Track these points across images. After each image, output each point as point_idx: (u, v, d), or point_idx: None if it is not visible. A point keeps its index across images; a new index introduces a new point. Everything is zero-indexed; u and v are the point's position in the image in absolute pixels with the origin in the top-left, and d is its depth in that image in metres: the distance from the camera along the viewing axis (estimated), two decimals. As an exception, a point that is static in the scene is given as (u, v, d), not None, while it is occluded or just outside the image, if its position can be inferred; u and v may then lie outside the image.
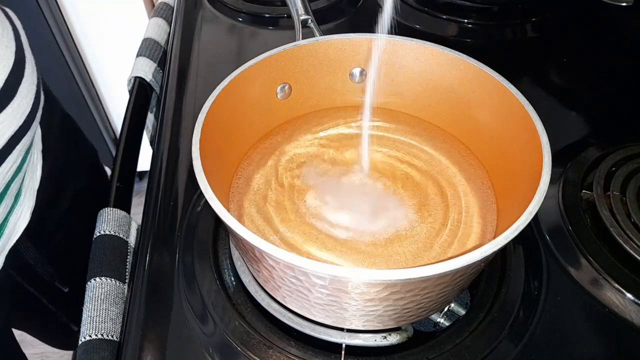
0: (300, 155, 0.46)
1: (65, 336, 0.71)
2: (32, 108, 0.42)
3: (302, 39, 0.46)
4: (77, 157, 0.63)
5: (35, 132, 0.46)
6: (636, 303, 0.40)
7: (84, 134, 0.67)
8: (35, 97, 0.43)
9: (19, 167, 0.44)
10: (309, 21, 0.49)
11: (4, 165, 0.39)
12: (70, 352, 1.12)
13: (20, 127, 0.40)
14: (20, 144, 0.41)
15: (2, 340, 0.55)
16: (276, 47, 0.44)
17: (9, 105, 0.38)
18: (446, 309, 0.39)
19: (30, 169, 0.49)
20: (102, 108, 1.29)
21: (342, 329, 0.38)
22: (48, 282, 0.59)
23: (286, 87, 0.47)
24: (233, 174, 0.44)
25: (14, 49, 0.40)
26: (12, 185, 0.43)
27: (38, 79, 0.44)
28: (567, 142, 0.53)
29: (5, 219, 0.45)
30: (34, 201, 0.50)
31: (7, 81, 0.38)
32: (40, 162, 0.51)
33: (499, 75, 0.41)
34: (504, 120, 0.41)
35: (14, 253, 0.49)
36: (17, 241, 0.48)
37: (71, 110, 0.66)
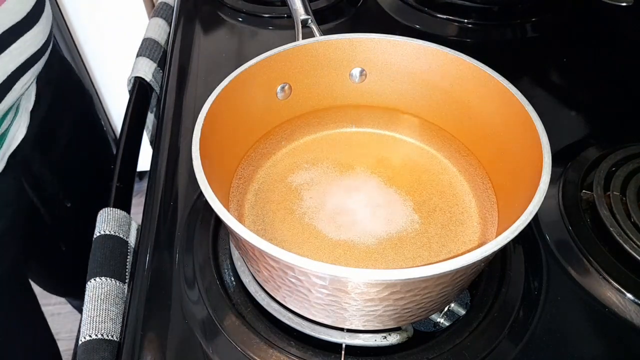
0: (300, 155, 0.46)
1: (63, 278, 0.75)
2: (47, 38, 0.52)
3: (302, 39, 0.46)
4: (72, 97, 0.70)
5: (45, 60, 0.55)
6: (636, 303, 0.40)
7: (82, 83, 0.75)
8: (50, 32, 0.53)
9: (31, 84, 0.52)
10: (309, 21, 0.49)
11: (23, 77, 0.49)
12: (70, 351, 1.13)
13: (39, 49, 0.50)
14: (37, 65, 0.50)
15: (16, 278, 0.59)
16: (276, 47, 0.44)
17: (35, 27, 0.49)
18: (446, 309, 0.39)
19: (27, 91, 0.57)
20: (102, 108, 1.29)
21: (342, 329, 0.38)
22: (55, 196, 0.64)
23: (286, 87, 0.47)
24: (233, 174, 0.44)
25: None
26: (21, 99, 0.52)
27: (53, 17, 0.55)
28: (567, 142, 0.53)
29: (8, 128, 0.53)
30: (29, 120, 0.57)
31: (34, 8, 0.48)
32: (34, 87, 0.59)
33: (499, 75, 0.41)
34: (504, 120, 0.41)
35: (23, 164, 0.56)
36: (25, 153, 0.56)
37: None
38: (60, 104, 0.63)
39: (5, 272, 0.56)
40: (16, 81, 0.48)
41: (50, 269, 0.75)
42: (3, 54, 0.46)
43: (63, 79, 0.66)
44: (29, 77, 0.50)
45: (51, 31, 0.54)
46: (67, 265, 0.74)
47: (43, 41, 0.51)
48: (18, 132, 0.55)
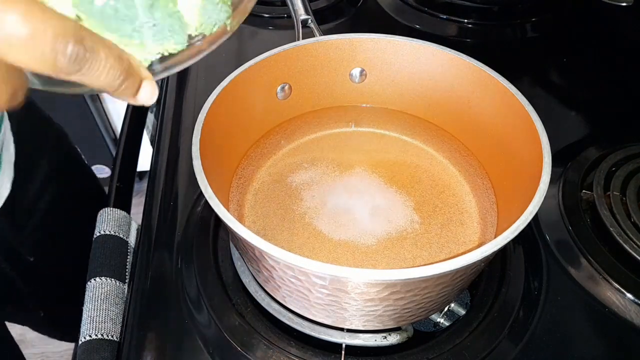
0: (300, 155, 0.46)
1: (51, 326, 0.71)
2: None
3: (302, 39, 0.46)
4: (45, 139, 0.63)
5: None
6: (636, 303, 0.40)
7: (50, 116, 0.66)
8: None
9: None
10: (309, 21, 0.49)
11: None
12: (70, 350, 1.13)
13: None
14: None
15: None
16: (276, 47, 0.44)
17: None
18: (446, 309, 0.39)
19: (6, 142, 0.50)
20: (102, 108, 1.29)
21: (342, 329, 0.38)
22: (30, 266, 0.58)
23: (286, 87, 0.47)
24: (233, 174, 0.44)
25: None
26: None
27: None
28: (567, 142, 0.53)
29: None
30: (13, 173, 0.51)
31: None
32: (12, 137, 0.52)
33: (499, 75, 0.41)
34: (504, 120, 0.41)
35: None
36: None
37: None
38: (37, 151, 0.57)
39: None
40: None
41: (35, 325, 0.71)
42: None
43: (32, 121, 0.60)
44: None
45: None
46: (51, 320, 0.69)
47: None
48: (2, 189, 0.49)
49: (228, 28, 0.24)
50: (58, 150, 0.65)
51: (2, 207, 0.49)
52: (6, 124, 0.50)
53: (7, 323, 0.60)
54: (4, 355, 0.57)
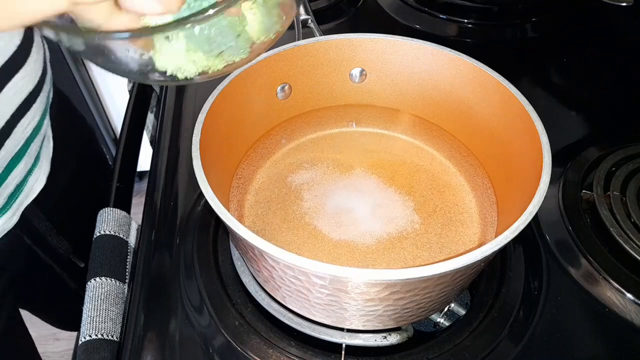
0: (300, 155, 0.46)
1: (73, 314, 0.72)
2: (43, 69, 0.48)
3: (302, 39, 0.46)
4: (77, 137, 0.65)
5: (48, 102, 0.51)
6: (636, 303, 0.40)
7: (83, 115, 0.71)
8: (44, 61, 0.49)
9: (37, 127, 0.48)
10: (309, 21, 0.49)
11: (23, 119, 0.45)
12: (70, 350, 1.13)
13: (36, 86, 0.46)
14: (37, 102, 0.46)
15: (10, 321, 0.56)
16: (276, 47, 0.44)
17: (26, 63, 0.44)
18: (446, 309, 0.39)
19: (47, 136, 0.53)
20: (102, 108, 1.29)
21: (342, 329, 0.38)
22: (63, 255, 0.61)
23: (286, 87, 0.47)
24: (233, 174, 0.44)
25: None
26: (31, 145, 0.48)
27: (42, 43, 0.49)
28: (567, 142, 0.53)
29: (25, 178, 0.49)
30: (50, 167, 0.54)
31: (22, 43, 0.44)
32: (51, 134, 0.55)
33: (499, 75, 0.41)
34: (504, 120, 0.41)
35: (24, 219, 0.51)
36: (27, 207, 0.51)
37: (71, 110, 0.67)
38: (68, 148, 0.59)
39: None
40: (16, 125, 0.44)
41: (57, 308, 0.72)
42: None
43: (67, 118, 0.62)
44: (33, 114, 0.46)
45: (45, 57, 0.49)
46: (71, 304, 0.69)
47: (40, 73, 0.47)
48: (37, 183, 0.51)
49: (279, 34, 0.28)
50: (87, 150, 0.68)
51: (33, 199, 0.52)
52: (47, 120, 0.51)
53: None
54: (15, 338, 0.58)
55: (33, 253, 0.57)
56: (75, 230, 0.62)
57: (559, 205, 0.46)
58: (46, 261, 0.59)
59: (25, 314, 0.60)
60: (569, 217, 0.45)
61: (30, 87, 0.45)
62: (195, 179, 0.32)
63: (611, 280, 0.41)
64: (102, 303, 0.40)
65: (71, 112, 0.67)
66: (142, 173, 1.36)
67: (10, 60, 0.42)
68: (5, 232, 0.48)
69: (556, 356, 0.37)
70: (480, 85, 0.42)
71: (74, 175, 0.61)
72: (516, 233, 0.29)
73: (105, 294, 0.40)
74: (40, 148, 0.51)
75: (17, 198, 0.48)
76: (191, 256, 0.43)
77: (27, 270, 0.57)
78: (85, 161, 0.66)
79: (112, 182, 0.51)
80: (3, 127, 0.42)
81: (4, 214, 0.47)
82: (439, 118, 0.48)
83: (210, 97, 0.39)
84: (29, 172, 0.49)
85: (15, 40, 0.43)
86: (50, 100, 0.52)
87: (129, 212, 0.49)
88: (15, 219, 0.49)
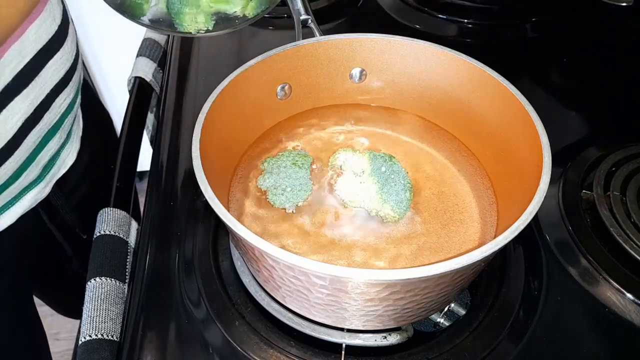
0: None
1: (73, 300, 0.73)
2: (76, 50, 0.52)
3: (302, 39, 0.46)
4: (96, 121, 0.67)
5: (80, 81, 0.54)
6: (636, 303, 0.40)
7: (101, 101, 0.73)
8: (77, 44, 0.53)
9: (71, 104, 0.51)
10: (309, 21, 0.49)
11: (61, 94, 0.48)
12: (70, 350, 1.12)
13: (72, 64, 0.50)
14: (72, 80, 0.50)
15: (26, 311, 0.57)
16: (276, 47, 0.44)
17: (65, 43, 0.48)
18: (446, 309, 0.39)
19: (77, 115, 0.57)
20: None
21: (342, 329, 0.38)
22: (71, 227, 0.63)
23: (286, 87, 0.47)
24: (233, 174, 0.44)
25: (62, 5, 0.51)
26: (65, 121, 0.51)
27: (74, 27, 0.54)
28: (567, 142, 0.53)
29: (58, 152, 0.52)
30: (79, 145, 0.57)
31: (62, 24, 0.48)
32: (81, 114, 0.59)
33: (499, 75, 0.41)
34: (504, 120, 0.41)
35: (46, 200, 0.54)
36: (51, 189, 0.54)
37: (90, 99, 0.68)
38: (88, 130, 0.62)
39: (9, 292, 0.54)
40: (54, 99, 0.47)
41: (59, 290, 0.73)
42: (41, 73, 0.44)
43: (89, 101, 0.65)
44: (68, 92, 0.49)
45: (77, 41, 0.53)
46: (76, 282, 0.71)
47: (74, 55, 0.51)
48: (68, 157, 0.54)
49: None
50: (104, 135, 0.70)
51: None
52: (79, 99, 0.54)
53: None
54: (35, 338, 0.60)
55: (48, 232, 0.59)
56: (89, 209, 0.64)
57: (559, 205, 0.46)
58: (58, 239, 0.61)
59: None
60: (569, 217, 0.45)
61: (67, 65, 0.49)
62: (195, 179, 0.32)
63: (611, 280, 0.41)
64: (102, 303, 0.39)
65: (91, 97, 0.69)
66: (142, 173, 1.36)
67: (54, 38, 0.46)
68: (37, 202, 0.51)
69: (556, 356, 0.37)
70: (480, 85, 0.42)
71: (95, 158, 0.63)
72: (516, 233, 0.29)
73: (105, 294, 0.40)
74: (72, 125, 0.54)
75: (50, 170, 0.51)
76: (191, 256, 0.43)
77: (39, 251, 0.59)
78: (106, 145, 0.68)
79: (112, 182, 0.51)
80: (43, 100, 0.45)
81: (37, 184, 0.50)
82: (439, 118, 0.48)
83: (210, 97, 0.39)
84: (62, 146, 0.52)
85: (57, 19, 0.47)
86: (82, 80, 0.55)
87: (129, 212, 0.49)
88: (47, 190, 0.52)
